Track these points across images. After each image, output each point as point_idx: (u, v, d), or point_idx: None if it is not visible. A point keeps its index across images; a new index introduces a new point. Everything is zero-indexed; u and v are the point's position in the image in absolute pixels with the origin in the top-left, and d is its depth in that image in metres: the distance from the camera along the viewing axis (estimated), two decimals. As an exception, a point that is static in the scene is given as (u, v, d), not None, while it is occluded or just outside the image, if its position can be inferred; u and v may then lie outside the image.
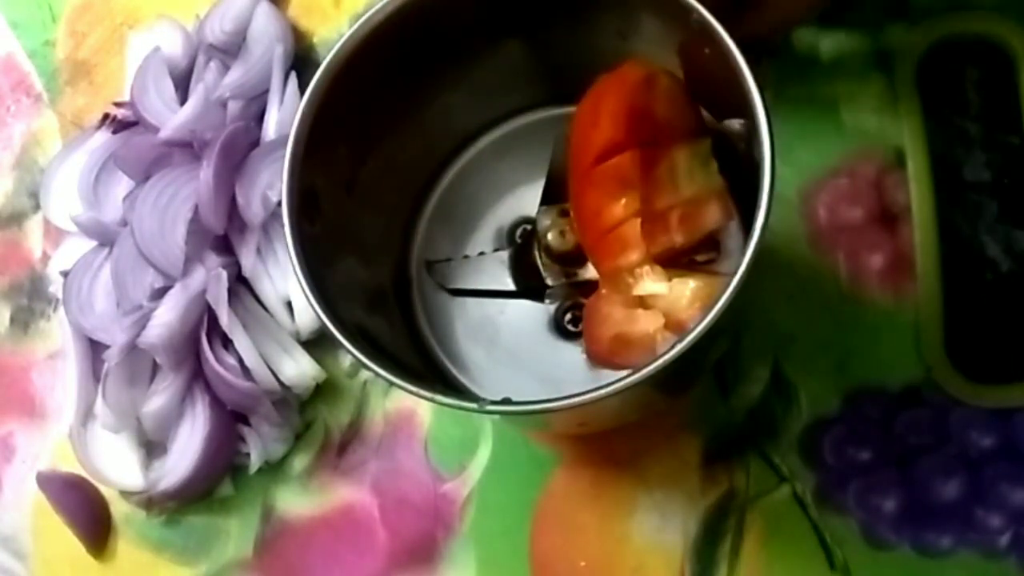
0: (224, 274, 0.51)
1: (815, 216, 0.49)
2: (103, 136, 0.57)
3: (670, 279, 0.39)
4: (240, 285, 0.52)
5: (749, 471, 0.47)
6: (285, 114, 0.54)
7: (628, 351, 0.39)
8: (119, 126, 0.57)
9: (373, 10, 0.41)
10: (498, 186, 0.48)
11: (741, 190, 0.40)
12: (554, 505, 0.49)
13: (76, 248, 0.55)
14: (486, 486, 0.50)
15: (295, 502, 0.51)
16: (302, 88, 0.46)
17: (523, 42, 0.44)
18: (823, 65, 0.51)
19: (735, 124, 0.39)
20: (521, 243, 0.46)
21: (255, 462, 0.51)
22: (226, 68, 0.56)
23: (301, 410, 0.52)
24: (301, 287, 0.39)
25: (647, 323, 0.39)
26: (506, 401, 0.38)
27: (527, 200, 0.46)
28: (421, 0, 0.41)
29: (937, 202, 0.48)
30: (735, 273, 0.35)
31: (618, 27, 0.42)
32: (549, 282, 0.44)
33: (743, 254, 0.35)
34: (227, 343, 0.51)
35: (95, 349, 0.53)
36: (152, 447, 0.52)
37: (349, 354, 0.38)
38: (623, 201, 0.39)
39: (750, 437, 0.48)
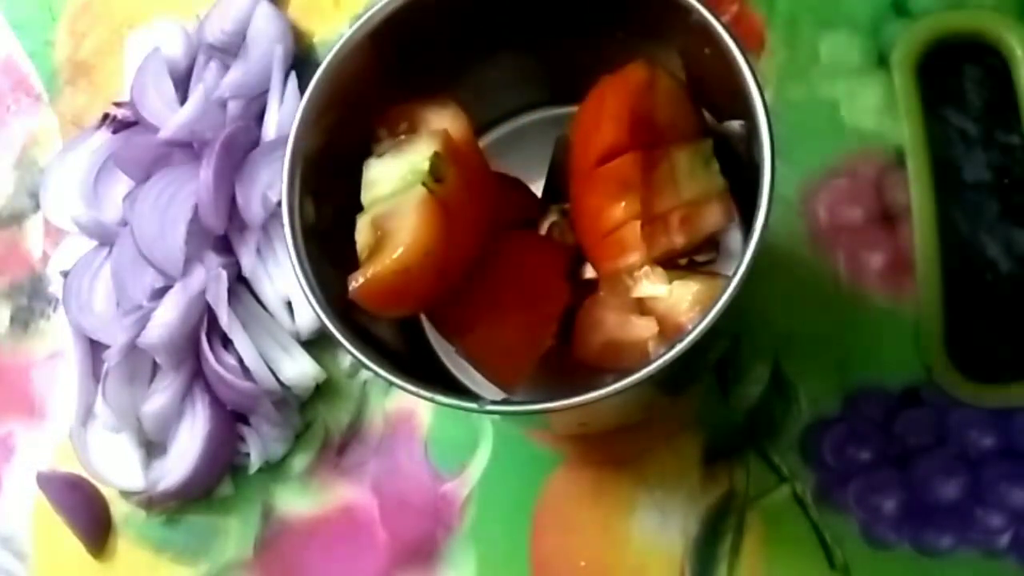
0: (224, 274, 0.51)
1: (815, 216, 0.49)
2: (103, 136, 0.57)
3: (671, 281, 0.39)
4: (240, 285, 0.52)
5: (749, 471, 0.47)
6: (285, 114, 0.54)
7: (619, 358, 0.39)
8: (119, 126, 0.57)
9: (373, 10, 0.41)
10: (498, 186, 0.48)
11: (741, 191, 0.40)
12: (554, 505, 0.49)
13: (76, 248, 0.55)
14: (486, 486, 0.50)
15: (295, 502, 0.51)
16: (302, 88, 0.45)
17: (523, 42, 0.44)
18: (823, 65, 0.51)
19: (735, 125, 0.39)
20: (521, 243, 0.46)
21: (255, 462, 0.51)
22: (226, 68, 0.56)
23: (301, 410, 0.52)
24: (301, 287, 0.39)
25: (640, 330, 0.39)
26: (506, 401, 0.38)
27: (527, 200, 0.46)
28: (421, 1, 0.41)
29: (937, 202, 0.48)
30: (735, 274, 0.35)
31: (619, 28, 0.42)
32: (549, 282, 0.44)
33: (743, 254, 0.35)
34: (227, 343, 0.51)
35: (95, 349, 0.53)
36: (152, 447, 0.52)
37: (349, 354, 0.38)
38: (623, 203, 0.39)
39: (750, 437, 0.48)
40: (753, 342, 0.48)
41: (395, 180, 0.39)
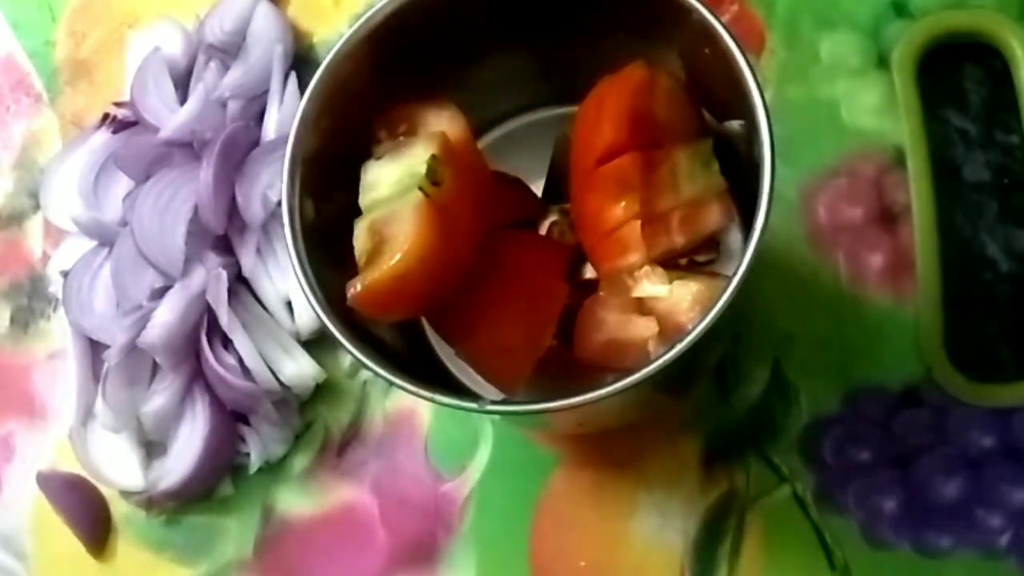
0: (224, 274, 0.51)
1: (815, 216, 0.49)
2: (103, 136, 0.57)
3: (671, 281, 0.39)
4: (240, 285, 0.52)
5: (749, 471, 0.47)
6: (285, 114, 0.54)
7: (619, 358, 0.39)
8: (119, 126, 0.57)
9: (373, 10, 0.41)
10: (498, 186, 0.48)
11: (741, 191, 0.40)
12: (554, 505, 0.49)
13: (76, 248, 0.55)
14: (486, 486, 0.50)
15: (295, 502, 0.51)
16: (302, 88, 0.46)
17: (523, 42, 0.44)
18: (823, 65, 0.51)
19: (735, 125, 0.39)
20: (521, 243, 0.46)
21: (255, 462, 0.51)
22: (226, 68, 0.56)
23: (301, 410, 0.52)
24: (301, 287, 0.39)
25: (640, 330, 0.39)
26: (506, 401, 0.38)
27: (527, 200, 0.46)
28: (421, 1, 0.41)
29: (937, 202, 0.48)
30: (735, 274, 0.35)
31: (619, 28, 0.42)
32: (549, 282, 0.44)
33: (743, 254, 0.35)
34: (227, 343, 0.51)
35: (95, 349, 0.53)
36: (152, 447, 0.52)
37: (349, 354, 0.38)
38: (623, 203, 0.39)
39: (750, 437, 0.48)
40: (753, 342, 0.48)
41: (393, 183, 0.39)
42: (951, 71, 0.50)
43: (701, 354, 0.40)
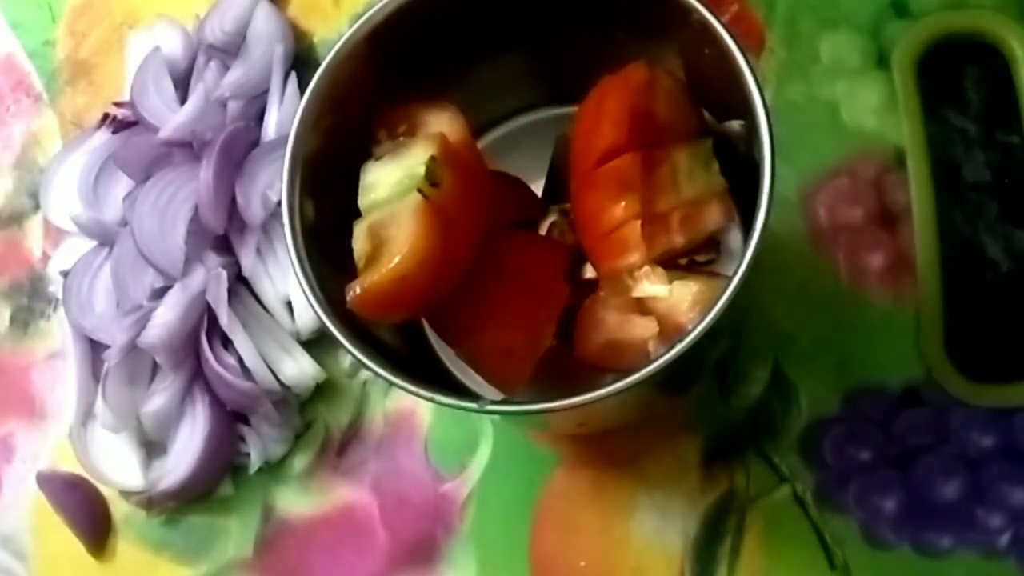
0: (224, 274, 0.51)
1: (815, 216, 0.49)
2: (103, 136, 0.57)
3: (671, 281, 0.39)
4: (240, 285, 0.52)
5: (749, 471, 0.47)
6: (285, 114, 0.54)
7: (619, 358, 0.39)
8: (119, 126, 0.57)
9: (373, 10, 0.41)
10: (498, 186, 0.48)
11: (741, 191, 0.40)
12: (554, 505, 0.49)
13: (76, 248, 0.55)
14: (486, 486, 0.50)
15: (295, 502, 0.51)
16: (302, 88, 0.46)
17: (524, 42, 0.44)
18: (823, 65, 0.51)
19: (735, 125, 0.39)
20: (521, 243, 0.46)
21: (255, 462, 0.51)
22: (226, 68, 0.56)
23: (301, 410, 0.52)
24: (301, 287, 0.39)
25: (641, 330, 0.39)
26: (506, 401, 0.38)
27: (527, 200, 0.46)
28: (421, 0, 0.41)
29: (937, 202, 0.48)
30: (735, 274, 0.35)
31: (619, 28, 0.42)
32: (549, 282, 0.44)
33: (743, 254, 0.35)
34: (227, 343, 0.51)
35: (95, 349, 0.53)
36: (152, 447, 0.52)
37: (349, 354, 0.38)
38: (623, 203, 0.39)
39: (750, 437, 0.48)
40: (753, 342, 0.48)
41: (392, 185, 0.39)
42: (951, 71, 0.50)
43: (701, 354, 0.40)
